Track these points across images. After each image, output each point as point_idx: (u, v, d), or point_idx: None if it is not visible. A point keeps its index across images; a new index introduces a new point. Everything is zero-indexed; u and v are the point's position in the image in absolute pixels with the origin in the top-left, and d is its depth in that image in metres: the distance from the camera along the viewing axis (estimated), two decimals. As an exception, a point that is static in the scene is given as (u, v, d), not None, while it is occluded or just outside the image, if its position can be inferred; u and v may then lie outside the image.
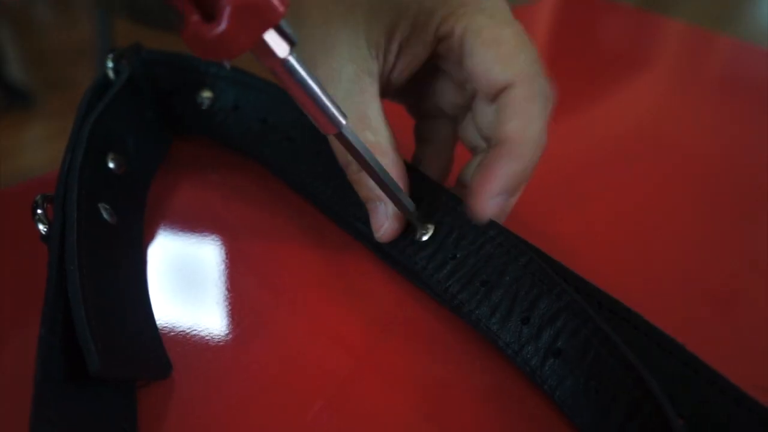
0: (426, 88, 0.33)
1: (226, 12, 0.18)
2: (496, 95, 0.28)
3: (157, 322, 0.28)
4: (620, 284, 0.29)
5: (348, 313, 0.30)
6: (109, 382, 0.24)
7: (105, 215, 0.28)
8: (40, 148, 1.60)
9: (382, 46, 0.29)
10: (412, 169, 0.31)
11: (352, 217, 0.32)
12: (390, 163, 0.29)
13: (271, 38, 0.20)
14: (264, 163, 0.36)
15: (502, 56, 0.28)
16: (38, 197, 0.27)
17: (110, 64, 0.34)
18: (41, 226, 0.26)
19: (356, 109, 0.28)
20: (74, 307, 0.22)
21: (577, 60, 0.60)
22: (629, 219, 0.40)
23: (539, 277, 0.27)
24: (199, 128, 0.37)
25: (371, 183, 0.29)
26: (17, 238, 0.30)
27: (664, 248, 0.37)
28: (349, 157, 0.29)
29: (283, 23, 0.20)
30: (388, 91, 0.31)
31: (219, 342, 0.28)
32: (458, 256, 0.29)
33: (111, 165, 0.31)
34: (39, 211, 0.26)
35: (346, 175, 0.31)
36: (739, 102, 0.55)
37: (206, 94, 0.36)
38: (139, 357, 0.25)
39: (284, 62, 0.21)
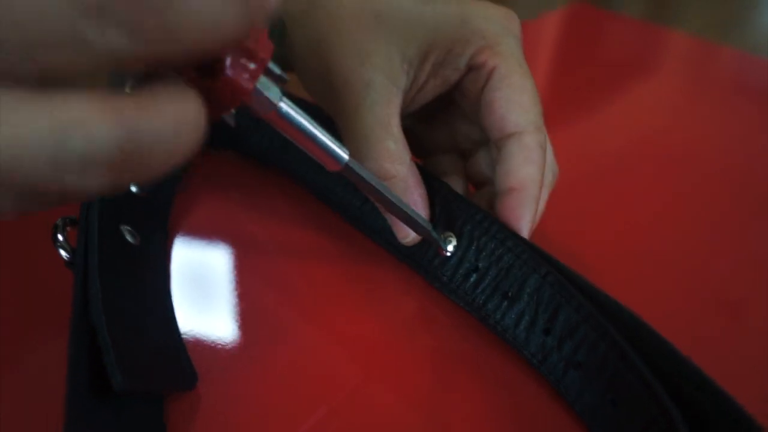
0: (440, 119, 0.35)
1: (227, 61, 0.18)
2: (505, 137, 0.30)
3: (183, 335, 0.29)
4: (631, 290, 0.30)
5: (372, 324, 0.31)
6: (137, 395, 0.25)
7: (128, 237, 0.30)
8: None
9: (414, 65, 0.31)
10: (428, 176, 0.32)
11: (380, 226, 0.33)
12: (407, 171, 0.30)
13: (263, 84, 0.20)
14: (287, 174, 0.37)
15: (523, 104, 0.30)
16: (59, 220, 0.28)
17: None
18: (63, 252, 0.27)
19: (381, 118, 0.30)
20: (98, 330, 0.24)
21: (583, 71, 0.61)
22: (639, 226, 0.40)
23: (558, 289, 0.28)
24: (223, 142, 0.38)
25: (399, 192, 0.30)
26: (40, 257, 0.32)
27: (674, 256, 0.38)
28: (369, 167, 0.30)
29: (271, 65, 0.20)
30: (407, 110, 0.32)
31: (244, 353, 0.29)
32: (480, 267, 0.30)
33: (133, 188, 0.32)
34: (60, 238, 0.28)
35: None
36: (744, 111, 0.55)
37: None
38: (164, 371, 0.26)
39: (279, 108, 0.21)
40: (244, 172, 0.39)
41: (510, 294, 0.29)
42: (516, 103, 0.30)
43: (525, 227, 0.30)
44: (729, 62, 0.65)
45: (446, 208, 0.31)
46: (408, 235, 0.31)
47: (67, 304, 0.26)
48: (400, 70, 0.30)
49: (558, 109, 0.54)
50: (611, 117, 0.53)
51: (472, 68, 0.31)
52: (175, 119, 0.15)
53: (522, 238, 0.30)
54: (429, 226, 0.30)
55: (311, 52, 0.32)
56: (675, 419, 0.23)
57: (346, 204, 0.35)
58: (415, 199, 0.30)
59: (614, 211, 0.42)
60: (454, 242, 0.31)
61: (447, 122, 0.35)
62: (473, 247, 0.31)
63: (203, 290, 0.32)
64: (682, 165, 0.47)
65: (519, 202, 0.30)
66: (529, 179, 0.30)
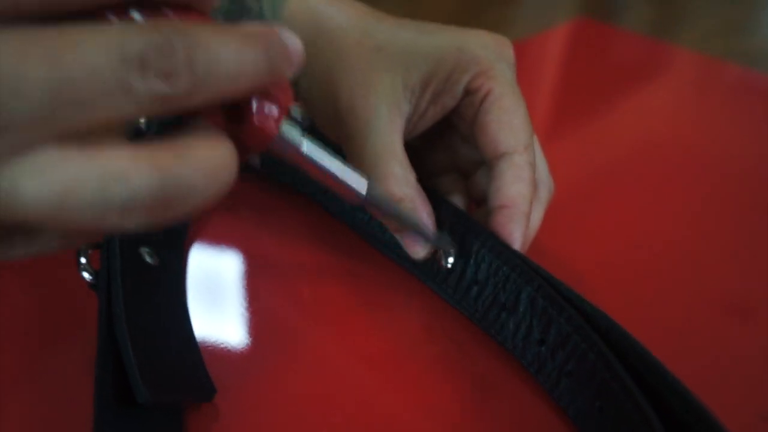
0: (440, 143, 0.37)
1: (254, 107, 0.19)
2: (497, 156, 0.32)
3: (201, 346, 0.31)
4: (639, 296, 0.32)
5: (383, 334, 0.33)
6: (159, 406, 0.27)
7: (147, 258, 0.32)
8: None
9: (416, 93, 0.33)
10: (431, 193, 0.34)
11: (388, 239, 0.35)
12: (414, 192, 0.32)
13: (286, 128, 0.21)
14: (297, 189, 0.39)
15: (514, 126, 0.32)
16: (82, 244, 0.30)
17: (143, 120, 0.37)
18: (86, 275, 0.29)
19: (387, 144, 0.32)
20: (122, 348, 0.26)
21: (585, 85, 0.63)
22: (645, 233, 0.42)
23: (549, 302, 0.30)
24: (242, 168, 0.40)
25: (407, 212, 0.32)
26: (64, 278, 0.34)
27: (681, 262, 0.40)
28: (394, 187, 0.32)
29: (293, 109, 0.21)
30: (409, 135, 0.34)
31: (260, 365, 0.31)
32: (479, 279, 0.32)
33: None
34: (83, 260, 0.30)
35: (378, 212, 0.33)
36: (745, 123, 0.57)
37: None
38: (183, 383, 0.28)
39: (301, 150, 0.23)
40: (255, 188, 0.41)
41: (507, 305, 0.31)
42: (507, 124, 0.32)
43: (516, 242, 0.32)
44: (730, 77, 0.67)
45: (447, 223, 0.33)
46: (419, 252, 0.33)
47: (90, 321, 0.28)
48: (403, 99, 0.33)
49: (561, 122, 0.56)
50: (614, 126, 0.55)
51: (468, 93, 0.33)
52: (208, 165, 0.17)
53: (517, 252, 0.31)
54: (439, 241, 0.33)
55: (317, 81, 0.34)
56: (655, 428, 0.24)
57: (356, 218, 0.37)
58: (424, 218, 0.32)
59: (620, 219, 0.44)
60: (452, 257, 0.33)
61: (447, 145, 0.37)
62: (473, 261, 0.32)
63: (219, 306, 0.34)
64: (688, 172, 0.49)
65: (509, 218, 0.32)
66: (519, 196, 0.32)
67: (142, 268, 0.31)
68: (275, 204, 0.41)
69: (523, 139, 0.32)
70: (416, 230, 0.32)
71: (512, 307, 0.31)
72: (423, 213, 0.32)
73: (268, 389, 0.30)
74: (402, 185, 0.32)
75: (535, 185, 0.33)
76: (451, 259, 0.33)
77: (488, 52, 0.33)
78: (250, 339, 0.32)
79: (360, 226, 0.38)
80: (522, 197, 0.32)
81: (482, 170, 0.36)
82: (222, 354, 0.31)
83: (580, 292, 0.30)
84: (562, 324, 0.29)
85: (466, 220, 0.33)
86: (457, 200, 0.37)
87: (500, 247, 0.31)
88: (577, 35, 0.75)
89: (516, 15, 2.69)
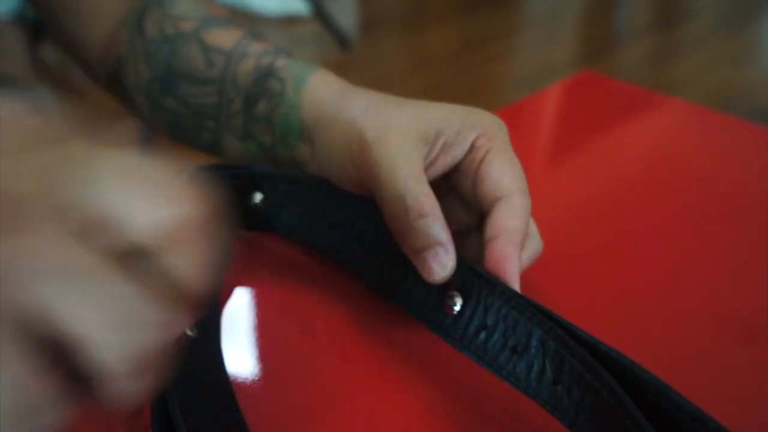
0: (440, 204, 0.39)
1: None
2: (496, 199, 0.36)
3: (241, 406, 0.33)
4: (646, 317, 0.34)
5: (407, 387, 0.35)
6: None
7: (188, 332, 0.34)
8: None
9: (429, 141, 0.37)
10: None
11: (396, 288, 0.37)
12: (439, 218, 0.35)
13: None
14: (312, 245, 0.42)
15: (512, 175, 0.37)
16: None
17: None
18: None
19: (414, 172, 0.36)
20: (176, 424, 0.28)
21: (586, 136, 0.65)
22: (652, 255, 0.46)
23: (561, 343, 0.31)
24: (254, 226, 0.43)
25: (435, 229, 0.34)
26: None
27: (687, 282, 0.43)
28: (408, 205, 0.34)
29: None
30: None
31: (298, 418, 0.33)
32: (488, 324, 0.34)
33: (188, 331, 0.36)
34: None
35: (400, 229, 0.35)
36: (743, 174, 0.60)
37: (258, 196, 0.42)
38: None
39: None
40: (277, 249, 0.43)
41: (518, 349, 0.33)
42: (507, 173, 0.37)
43: (512, 269, 0.34)
44: (729, 129, 0.69)
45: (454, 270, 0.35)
46: (438, 273, 0.34)
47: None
48: (420, 140, 0.37)
49: (567, 160, 0.59)
50: (613, 158, 0.58)
51: (472, 149, 0.37)
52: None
53: (524, 297, 0.33)
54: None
55: (347, 130, 0.38)
56: None
57: (366, 269, 0.39)
58: (448, 238, 0.34)
59: (622, 244, 0.47)
60: (461, 301, 0.34)
61: (446, 207, 0.38)
62: (481, 306, 0.34)
63: (257, 363, 0.36)
64: (688, 196, 0.52)
65: (505, 244, 0.34)
66: (514, 228, 0.35)
67: (185, 343, 0.33)
68: (296, 263, 0.43)
69: (520, 186, 0.36)
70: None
71: (523, 350, 0.32)
72: (447, 232, 0.34)
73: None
74: (432, 204, 0.35)
75: (527, 226, 0.36)
76: (458, 304, 0.34)
77: (491, 120, 0.38)
78: (287, 393, 0.34)
79: (373, 278, 0.39)
80: (517, 229, 0.35)
81: (475, 234, 0.39)
82: (261, 412, 0.33)
83: (583, 319, 0.32)
84: (575, 364, 0.30)
85: (472, 267, 0.34)
86: None
87: (508, 293, 0.33)
88: (579, 89, 0.78)
89: (516, 47, 2.73)
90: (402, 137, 0.36)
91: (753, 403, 0.35)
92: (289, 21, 2.70)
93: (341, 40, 2.49)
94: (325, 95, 0.41)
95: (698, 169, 0.59)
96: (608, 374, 0.29)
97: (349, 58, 2.46)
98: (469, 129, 0.37)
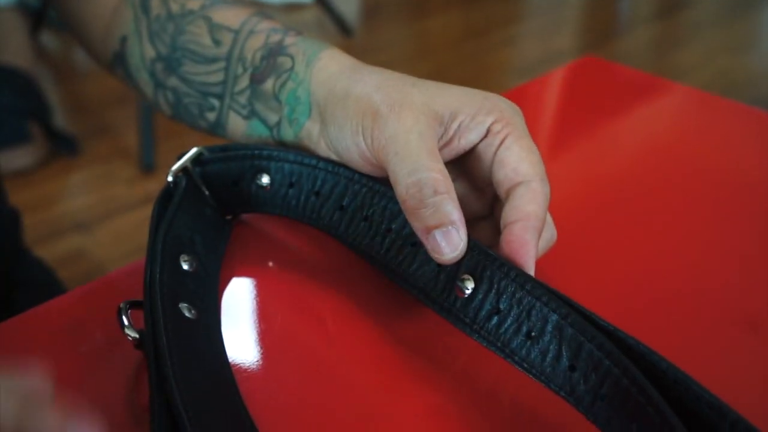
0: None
1: None
2: (515, 185, 0.35)
3: (241, 391, 0.33)
4: (647, 308, 0.35)
5: (411, 365, 0.35)
6: None
7: (187, 313, 0.33)
8: (86, 192, 1.68)
9: (445, 121, 0.36)
10: None
11: (402, 271, 0.37)
12: (453, 197, 0.34)
13: None
14: (321, 229, 0.41)
15: (531, 161, 0.36)
16: (122, 304, 0.32)
17: (170, 178, 0.39)
18: (132, 334, 0.31)
19: (429, 146, 0.35)
20: (174, 403, 0.28)
21: (591, 120, 0.65)
22: (653, 248, 0.45)
23: (578, 329, 0.31)
24: (260, 207, 0.42)
25: (448, 207, 0.33)
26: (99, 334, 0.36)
27: (688, 274, 0.43)
28: (422, 181, 0.34)
29: None
30: None
31: (297, 404, 0.33)
32: (502, 309, 0.33)
33: (185, 266, 0.36)
34: (125, 321, 0.32)
35: (412, 206, 0.34)
36: (746, 156, 0.59)
37: (265, 178, 0.42)
38: (227, 426, 0.30)
39: None
40: (279, 230, 0.43)
41: (533, 334, 0.32)
42: (526, 159, 0.36)
43: (529, 254, 0.34)
44: (732, 114, 0.69)
45: (466, 254, 0.34)
46: (447, 254, 0.34)
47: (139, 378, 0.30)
48: (435, 120, 0.36)
49: (571, 144, 0.59)
50: (618, 145, 0.57)
51: (489, 134, 0.37)
52: None
53: (539, 282, 0.32)
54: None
55: (361, 102, 0.37)
56: None
57: (373, 252, 0.38)
58: (461, 218, 0.34)
59: (628, 235, 0.47)
60: (472, 285, 0.34)
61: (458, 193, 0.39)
62: (493, 291, 0.33)
63: (257, 349, 0.36)
64: (693, 186, 0.52)
65: (524, 230, 0.34)
66: (533, 213, 0.34)
67: (184, 323, 0.33)
68: (296, 243, 0.43)
69: (540, 172, 0.36)
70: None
71: (538, 335, 0.32)
72: (460, 212, 0.34)
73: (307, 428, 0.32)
74: (448, 181, 0.34)
75: (546, 213, 0.35)
76: (470, 287, 0.34)
77: (508, 106, 0.37)
78: (286, 376, 0.34)
79: (378, 258, 0.39)
80: (536, 215, 0.34)
81: (483, 224, 0.39)
82: (261, 395, 0.33)
83: (589, 305, 0.32)
84: (594, 350, 0.30)
85: (484, 249, 0.34)
86: None
87: (522, 278, 0.32)
88: (583, 73, 0.77)
89: (519, 35, 2.72)
90: (417, 113, 0.36)
91: (751, 395, 0.35)
92: (291, 7, 2.69)
93: (343, 27, 2.48)
94: (336, 71, 0.40)
95: (703, 154, 0.59)
96: (630, 361, 0.29)
97: (350, 44, 2.45)
98: (486, 113, 0.36)
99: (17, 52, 1.81)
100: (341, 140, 0.39)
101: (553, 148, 0.60)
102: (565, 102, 0.69)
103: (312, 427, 0.32)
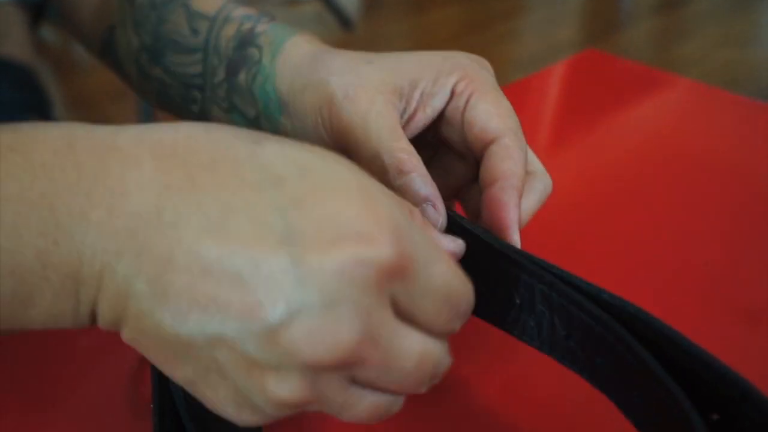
0: (433, 164, 0.38)
1: None
2: (487, 144, 0.34)
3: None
4: (646, 299, 0.33)
5: None
6: None
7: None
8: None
9: (405, 93, 0.35)
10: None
11: None
12: (422, 173, 0.33)
13: None
14: None
15: (500, 115, 0.34)
16: None
17: None
18: None
19: (389, 123, 0.34)
20: (176, 397, 0.28)
21: (592, 112, 0.64)
22: (652, 237, 0.45)
23: (565, 297, 0.29)
24: None
25: (418, 185, 0.32)
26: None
27: (689, 265, 0.43)
28: (385, 165, 0.33)
29: None
30: None
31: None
32: (490, 282, 0.31)
33: None
34: None
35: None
36: (746, 147, 0.59)
37: None
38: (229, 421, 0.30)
39: None
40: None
41: (524, 306, 0.31)
42: (494, 113, 0.34)
43: (509, 216, 0.32)
44: (732, 106, 0.69)
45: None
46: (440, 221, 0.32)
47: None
48: (394, 95, 0.35)
49: (572, 137, 0.58)
50: (618, 140, 0.57)
51: (453, 95, 0.35)
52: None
53: (524, 252, 0.31)
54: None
55: (317, 93, 0.36)
56: (688, 412, 0.25)
57: None
58: (434, 193, 0.32)
59: (627, 226, 0.46)
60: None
61: (441, 165, 0.38)
62: (481, 264, 0.31)
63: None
64: (694, 180, 0.52)
65: (501, 191, 0.32)
66: (509, 172, 0.32)
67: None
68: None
69: (510, 124, 0.34)
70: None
71: (530, 307, 0.31)
72: (432, 187, 0.32)
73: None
74: (411, 158, 0.33)
75: (525, 167, 0.33)
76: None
77: (470, 62, 0.36)
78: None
79: None
80: (513, 173, 0.33)
81: (475, 187, 0.37)
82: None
83: None
84: (584, 317, 0.29)
85: (463, 224, 0.32)
86: None
87: (507, 248, 0.31)
88: (584, 66, 0.77)
89: (520, 29, 2.71)
90: (373, 93, 0.34)
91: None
92: (291, 1, 2.68)
93: (344, 21, 2.47)
94: (298, 61, 0.38)
95: (705, 147, 0.58)
96: (620, 326, 0.28)
97: (351, 39, 2.44)
98: (447, 75, 0.35)
99: (17, 46, 1.81)
100: (304, 134, 0.37)
101: (555, 142, 0.60)
102: (567, 95, 0.69)
103: (314, 425, 0.32)
